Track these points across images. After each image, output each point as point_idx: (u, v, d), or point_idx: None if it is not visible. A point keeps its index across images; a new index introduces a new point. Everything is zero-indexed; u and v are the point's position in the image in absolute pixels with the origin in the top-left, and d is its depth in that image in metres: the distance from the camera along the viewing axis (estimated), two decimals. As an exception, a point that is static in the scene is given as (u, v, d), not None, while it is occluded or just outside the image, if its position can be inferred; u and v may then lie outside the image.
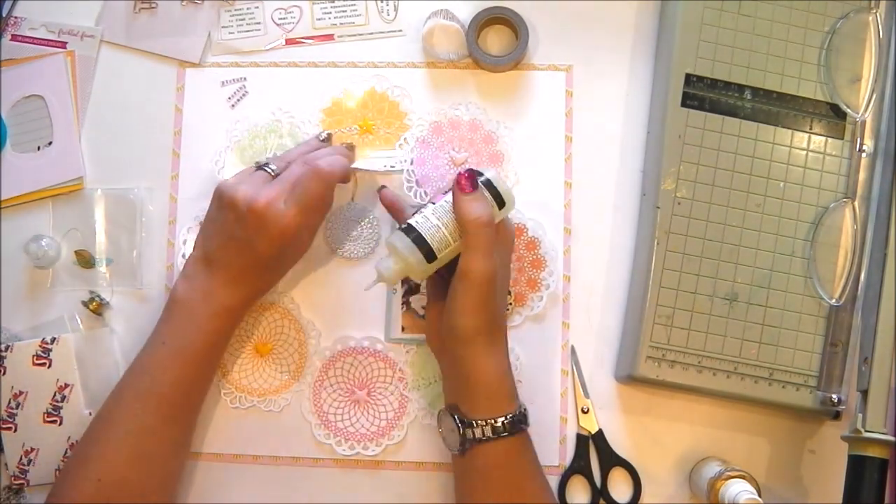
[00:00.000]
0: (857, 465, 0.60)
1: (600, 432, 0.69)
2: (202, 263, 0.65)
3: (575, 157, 0.72)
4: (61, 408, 0.69)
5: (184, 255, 0.71)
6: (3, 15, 0.74)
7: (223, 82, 0.74)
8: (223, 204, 0.64)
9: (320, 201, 0.65)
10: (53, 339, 0.69)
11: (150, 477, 0.62)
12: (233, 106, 0.74)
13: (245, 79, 0.74)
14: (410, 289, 0.71)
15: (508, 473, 0.61)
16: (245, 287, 0.65)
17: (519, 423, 0.61)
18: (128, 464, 0.61)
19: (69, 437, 0.68)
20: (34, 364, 0.69)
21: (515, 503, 0.60)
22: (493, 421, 0.60)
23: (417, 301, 0.70)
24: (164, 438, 0.63)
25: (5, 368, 0.69)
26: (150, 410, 0.62)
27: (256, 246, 0.63)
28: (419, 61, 0.73)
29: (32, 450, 0.68)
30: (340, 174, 0.66)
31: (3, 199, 0.72)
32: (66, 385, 0.69)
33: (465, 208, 0.60)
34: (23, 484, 0.68)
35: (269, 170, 0.66)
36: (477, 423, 0.60)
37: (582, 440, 0.69)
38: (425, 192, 0.71)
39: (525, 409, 0.62)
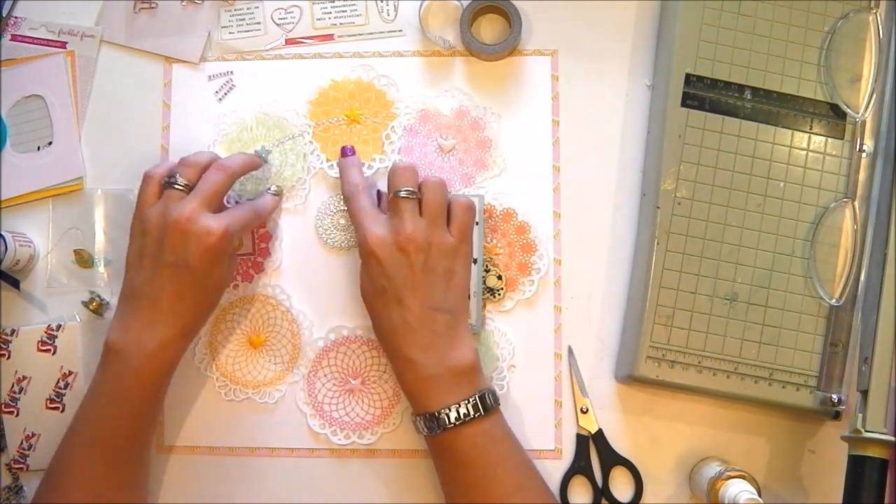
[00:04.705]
0: (857, 465, 0.60)
1: (600, 432, 0.69)
2: (131, 302, 0.63)
3: (563, 141, 0.72)
4: (64, 395, 0.69)
5: None
6: (3, 15, 0.74)
7: (210, 76, 0.74)
8: (143, 232, 0.63)
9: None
10: (59, 326, 0.70)
11: None
12: (220, 99, 0.74)
13: (232, 72, 0.74)
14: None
15: (478, 456, 0.61)
16: (180, 317, 0.62)
17: (483, 405, 0.61)
18: None
19: None
20: (39, 350, 0.69)
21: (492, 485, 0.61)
22: (447, 411, 0.61)
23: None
24: (117, 483, 0.62)
25: (10, 353, 0.69)
26: (97, 458, 0.61)
27: (187, 265, 0.61)
28: (405, 50, 0.74)
29: (33, 435, 0.69)
30: (252, 165, 0.69)
31: (3, 199, 0.72)
32: (70, 372, 0.69)
33: (341, 174, 0.68)
34: (22, 468, 0.69)
35: (178, 186, 0.64)
36: (437, 415, 0.61)
37: (582, 440, 0.69)
38: None
39: (486, 392, 0.62)
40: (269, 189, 0.71)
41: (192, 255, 0.62)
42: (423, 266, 0.63)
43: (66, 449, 0.63)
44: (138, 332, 0.62)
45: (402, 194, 0.64)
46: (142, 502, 0.65)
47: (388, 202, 0.65)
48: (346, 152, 0.70)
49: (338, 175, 0.71)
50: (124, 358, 0.61)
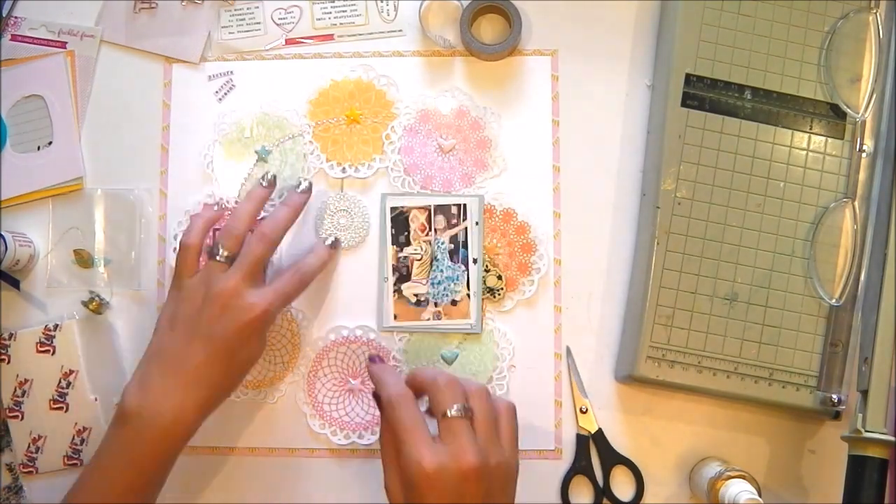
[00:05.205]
0: (857, 465, 0.60)
1: (600, 431, 0.69)
2: (156, 363, 0.62)
3: (563, 141, 0.72)
4: (67, 394, 0.69)
5: (174, 250, 0.71)
6: (3, 15, 0.74)
7: (210, 76, 0.74)
8: (181, 299, 0.63)
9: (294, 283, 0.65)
10: (56, 326, 0.70)
11: None
12: (220, 100, 0.74)
13: (232, 72, 0.74)
14: (402, 277, 0.71)
15: None
16: (204, 388, 0.61)
17: None
18: None
19: (76, 423, 0.69)
20: (38, 351, 0.69)
21: None
22: None
23: (409, 289, 0.70)
24: None
25: (9, 357, 0.69)
26: None
27: (223, 338, 0.61)
28: (405, 50, 0.74)
29: (40, 437, 0.69)
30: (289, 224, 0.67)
31: (3, 199, 0.72)
32: (71, 371, 0.69)
33: (378, 379, 0.60)
34: (31, 471, 0.69)
35: (220, 259, 0.63)
36: None
37: (582, 440, 0.69)
38: (413, 181, 0.71)
39: None
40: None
41: (230, 330, 0.61)
42: (486, 494, 0.55)
43: None
44: (158, 399, 0.60)
45: (454, 413, 0.56)
46: None
47: (439, 423, 0.57)
48: (374, 360, 0.66)
49: (338, 175, 0.72)
50: (139, 427, 0.60)
